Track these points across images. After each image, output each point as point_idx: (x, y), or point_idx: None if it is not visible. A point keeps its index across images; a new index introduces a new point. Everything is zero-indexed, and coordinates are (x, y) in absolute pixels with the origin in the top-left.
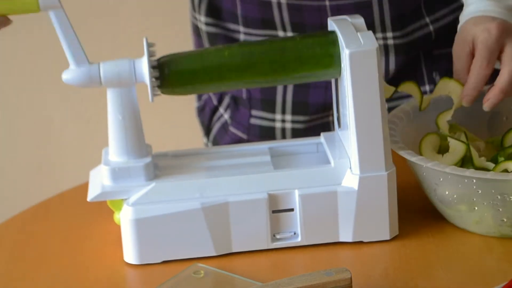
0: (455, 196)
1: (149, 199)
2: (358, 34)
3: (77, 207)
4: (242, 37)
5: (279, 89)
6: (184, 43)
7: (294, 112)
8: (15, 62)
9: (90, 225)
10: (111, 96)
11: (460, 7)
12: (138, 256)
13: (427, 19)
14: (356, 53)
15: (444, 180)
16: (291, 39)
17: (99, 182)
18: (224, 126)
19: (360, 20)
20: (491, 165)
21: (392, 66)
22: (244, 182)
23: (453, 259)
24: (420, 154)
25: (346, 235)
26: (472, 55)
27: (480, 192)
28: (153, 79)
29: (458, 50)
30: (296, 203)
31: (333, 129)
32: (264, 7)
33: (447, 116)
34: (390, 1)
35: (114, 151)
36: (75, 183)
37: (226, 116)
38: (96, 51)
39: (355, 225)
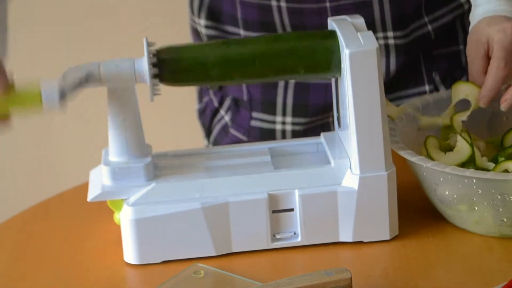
0: (455, 196)
1: (149, 199)
2: (358, 34)
3: (77, 207)
4: None
5: (280, 91)
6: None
7: (294, 114)
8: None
9: (90, 225)
10: (111, 96)
11: (459, 6)
12: (138, 256)
13: (426, 19)
14: (356, 53)
15: (444, 180)
16: (291, 37)
17: (99, 182)
18: (225, 128)
19: (360, 20)
20: (492, 165)
21: (392, 66)
22: (244, 182)
23: (453, 259)
24: (427, 152)
25: (346, 235)
26: (487, 56)
27: (480, 192)
28: (153, 79)
29: (472, 52)
30: (296, 203)
31: (333, 130)
32: (264, 11)
33: (463, 116)
34: (391, 1)
35: (114, 151)
36: (75, 183)
37: (227, 118)
38: (96, 51)
39: (355, 225)
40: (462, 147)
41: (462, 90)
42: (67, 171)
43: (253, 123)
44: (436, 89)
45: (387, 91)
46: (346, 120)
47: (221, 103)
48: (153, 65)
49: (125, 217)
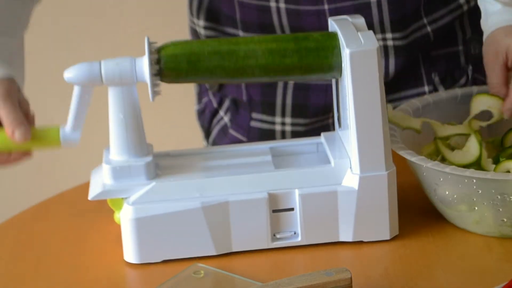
0: (455, 196)
1: (150, 198)
2: (359, 33)
3: (77, 207)
4: None
5: (279, 92)
6: None
7: (294, 115)
8: None
9: (90, 225)
10: (112, 95)
11: (458, 7)
12: (138, 256)
13: (425, 20)
14: (357, 52)
15: (444, 180)
16: (292, 37)
17: (100, 181)
18: (224, 129)
19: (360, 20)
20: (494, 166)
21: (391, 67)
22: (244, 182)
23: (453, 259)
24: (439, 149)
25: (346, 235)
26: (506, 66)
27: (480, 192)
28: (154, 79)
29: (491, 63)
30: (296, 202)
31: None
32: (263, 12)
33: (483, 123)
34: (389, 3)
35: (115, 150)
36: (75, 183)
37: (226, 119)
38: (96, 51)
39: (355, 225)
40: (472, 147)
41: (484, 102)
42: (67, 171)
43: (253, 123)
44: (435, 89)
45: (387, 92)
46: (346, 120)
47: (220, 103)
48: (154, 62)
49: (125, 216)
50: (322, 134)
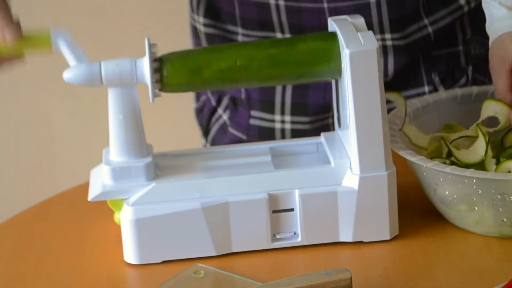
0: (455, 196)
1: (149, 199)
2: (358, 34)
3: (77, 207)
4: (240, 38)
5: (278, 90)
6: (184, 43)
7: (293, 113)
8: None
9: (90, 225)
10: (112, 96)
11: (459, 8)
12: (138, 256)
13: (426, 21)
14: (356, 53)
15: (444, 180)
16: (291, 39)
17: (100, 181)
18: (223, 127)
19: (360, 20)
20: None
21: (390, 67)
22: (244, 182)
23: (453, 259)
24: (448, 147)
25: (346, 235)
26: None
27: (480, 192)
28: (154, 79)
29: (498, 68)
30: (296, 203)
31: (333, 131)
32: (263, 9)
33: (489, 129)
34: (389, 3)
35: (115, 151)
36: (75, 183)
37: (225, 117)
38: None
39: (355, 225)
40: (479, 147)
41: (492, 108)
42: (67, 171)
43: (252, 121)
44: (435, 89)
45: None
46: (346, 120)
47: (219, 102)
48: (154, 69)
49: (125, 217)
50: (322, 134)
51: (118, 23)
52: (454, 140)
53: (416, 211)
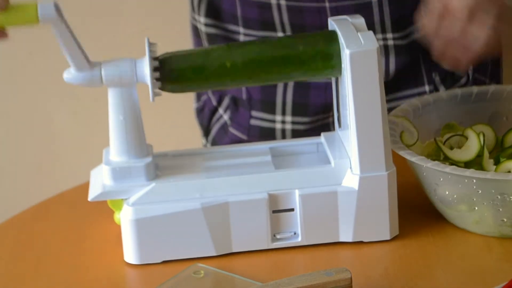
0: (455, 196)
1: (149, 199)
2: (359, 34)
3: (77, 207)
4: (241, 38)
5: (279, 90)
6: (184, 43)
7: (294, 113)
8: (15, 62)
9: (90, 225)
10: (112, 96)
11: None
12: (138, 256)
13: None
14: (357, 53)
15: (444, 180)
16: (291, 38)
17: (100, 181)
18: (224, 127)
19: (360, 20)
20: (494, 167)
21: (392, 67)
22: (244, 182)
23: (453, 259)
24: (440, 148)
25: (346, 235)
26: (442, 16)
27: (480, 192)
28: (154, 80)
29: (433, 9)
30: (297, 203)
31: (333, 130)
32: (264, 9)
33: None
34: (390, 3)
35: (115, 151)
36: (75, 183)
37: (226, 117)
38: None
39: (355, 225)
40: (472, 146)
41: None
42: (67, 171)
43: (253, 122)
44: (436, 89)
45: (387, 92)
46: (346, 120)
47: (219, 102)
48: (155, 68)
49: (125, 217)
50: (322, 134)
51: (118, 23)
52: (447, 140)
53: (416, 211)
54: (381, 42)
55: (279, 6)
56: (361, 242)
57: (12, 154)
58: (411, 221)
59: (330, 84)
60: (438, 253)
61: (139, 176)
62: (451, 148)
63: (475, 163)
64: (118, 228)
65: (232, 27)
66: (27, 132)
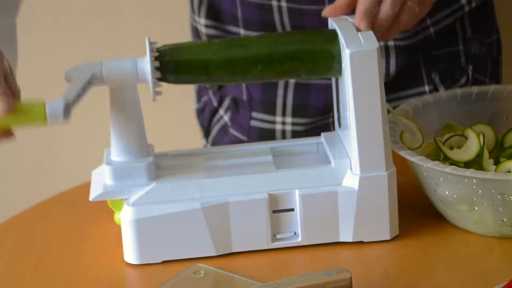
0: (455, 196)
1: (150, 199)
2: (359, 34)
3: (77, 207)
4: None
5: (280, 92)
6: None
7: (294, 115)
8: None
9: (90, 225)
10: (113, 96)
11: (460, 8)
12: (138, 256)
13: (428, 22)
14: (357, 53)
15: (444, 180)
16: (291, 36)
17: (101, 181)
18: (224, 128)
19: None
20: (494, 167)
21: (392, 67)
22: (244, 182)
23: (453, 259)
24: (440, 148)
25: (346, 235)
26: None
27: (480, 192)
28: (155, 79)
29: None
30: (297, 203)
31: (333, 131)
32: (264, 10)
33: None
34: None
35: (116, 151)
36: (75, 183)
37: (226, 118)
38: (96, 51)
39: (355, 225)
40: (472, 146)
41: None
42: (67, 171)
43: (253, 123)
44: (435, 89)
45: (387, 92)
46: (346, 120)
47: (220, 103)
48: (156, 67)
49: (125, 217)
50: (322, 134)
51: (118, 23)
52: (447, 140)
53: (416, 211)
54: (382, 43)
55: (280, 8)
56: (361, 242)
57: (12, 154)
58: (411, 221)
59: (331, 85)
60: (438, 253)
61: (140, 176)
62: (451, 148)
63: (475, 163)
64: (118, 228)
65: (232, 28)
66: (27, 132)
